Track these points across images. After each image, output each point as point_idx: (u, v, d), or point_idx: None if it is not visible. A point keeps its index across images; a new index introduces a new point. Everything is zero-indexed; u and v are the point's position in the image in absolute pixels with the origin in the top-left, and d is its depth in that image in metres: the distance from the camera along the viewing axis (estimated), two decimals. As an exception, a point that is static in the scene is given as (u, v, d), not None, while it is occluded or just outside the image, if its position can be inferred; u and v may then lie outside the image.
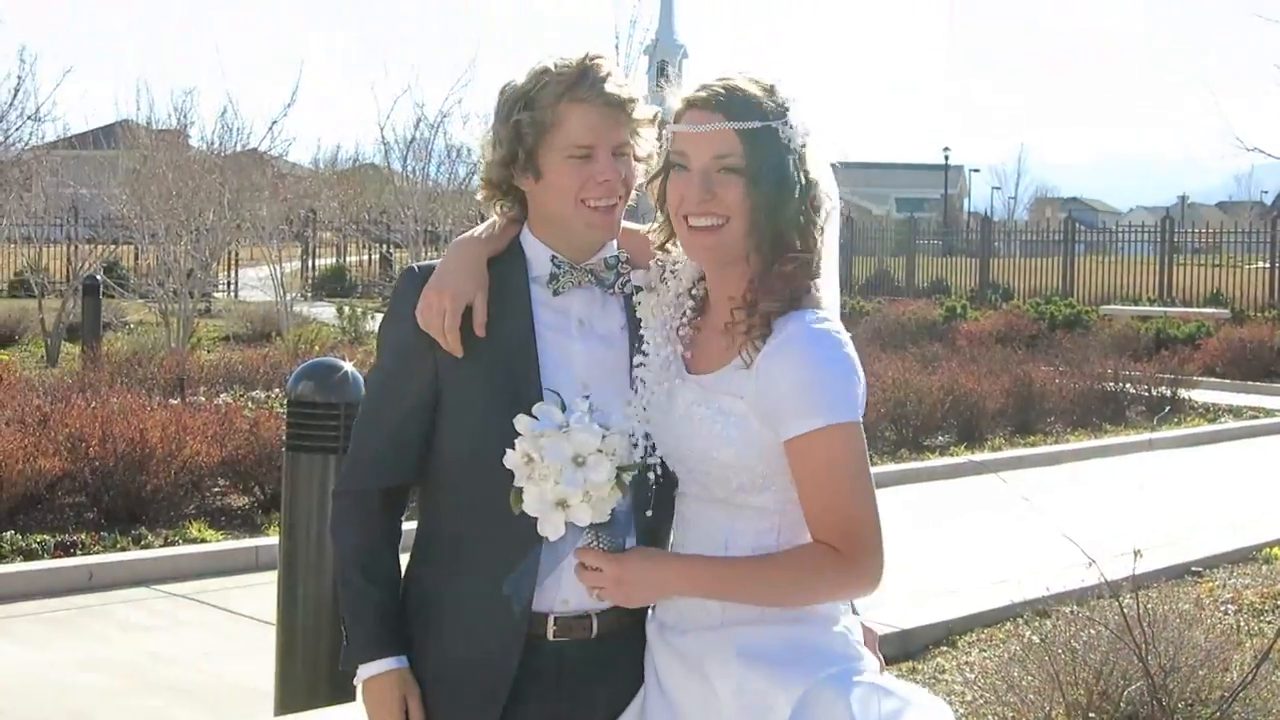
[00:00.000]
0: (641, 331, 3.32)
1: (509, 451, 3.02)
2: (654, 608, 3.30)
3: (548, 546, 3.20)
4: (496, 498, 3.16)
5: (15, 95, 27.89)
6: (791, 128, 3.12)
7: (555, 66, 3.28)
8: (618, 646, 3.32)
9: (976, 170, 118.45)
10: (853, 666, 3.11)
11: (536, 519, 3.03)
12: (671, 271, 3.32)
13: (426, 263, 3.44)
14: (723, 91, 3.12)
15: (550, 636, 3.27)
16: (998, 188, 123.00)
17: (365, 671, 3.31)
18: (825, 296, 3.17)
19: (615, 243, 3.42)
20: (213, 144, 26.32)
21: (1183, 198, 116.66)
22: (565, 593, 3.26)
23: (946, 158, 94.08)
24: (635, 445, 3.13)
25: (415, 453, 3.36)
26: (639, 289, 3.36)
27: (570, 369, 3.30)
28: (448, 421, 3.32)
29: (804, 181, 3.13)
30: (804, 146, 3.15)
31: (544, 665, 3.27)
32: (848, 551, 3.02)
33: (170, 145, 25.73)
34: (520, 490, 3.02)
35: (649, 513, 3.24)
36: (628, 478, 3.02)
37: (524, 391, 3.21)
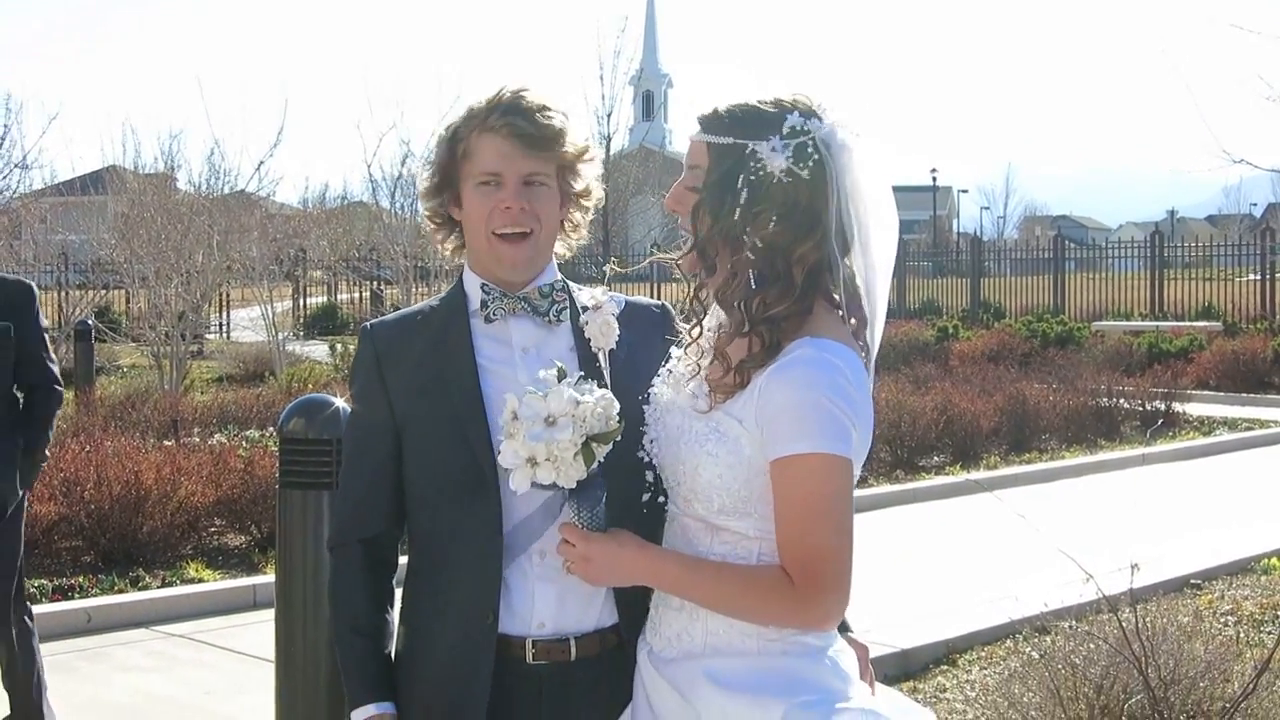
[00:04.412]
0: (595, 349, 3.38)
1: (504, 406, 3.08)
2: (644, 633, 3.28)
3: (516, 571, 3.26)
4: (458, 530, 3.27)
5: (2, 144, 28.13)
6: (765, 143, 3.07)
7: (482, 100, 3.38)
8: (597, 669, 3.33)
9: (965, 191, 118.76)
10: (836, 694, 3.06)
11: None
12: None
13: (378, 319, 3.56)
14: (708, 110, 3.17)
15: (529, 660, 3.29)
16: (986, 207, 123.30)
17: (355, 717, 3.36)
18: (838, 330, 3.08)
19: (554, 268, 3.49)
20: (200, 186, 26.38)
21: (1172, 212, 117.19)
22: (541, 616, 3.29)
23: (934, 179, 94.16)
24: (618, 423, 3.07)
25: (386, 503, 3.42)
26: (586, 309, 3.40)
27: None
28: (408, 461, 3.38)
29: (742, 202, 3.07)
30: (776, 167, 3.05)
31: (524, 689, 3.29)
32: (800, 583, 2.95)
33: (158, 189, 25.78)
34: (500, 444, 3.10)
35: (645, 509, 3.26)
36: (599, 450, 3.04)
37: (471, 424, 3.29)
